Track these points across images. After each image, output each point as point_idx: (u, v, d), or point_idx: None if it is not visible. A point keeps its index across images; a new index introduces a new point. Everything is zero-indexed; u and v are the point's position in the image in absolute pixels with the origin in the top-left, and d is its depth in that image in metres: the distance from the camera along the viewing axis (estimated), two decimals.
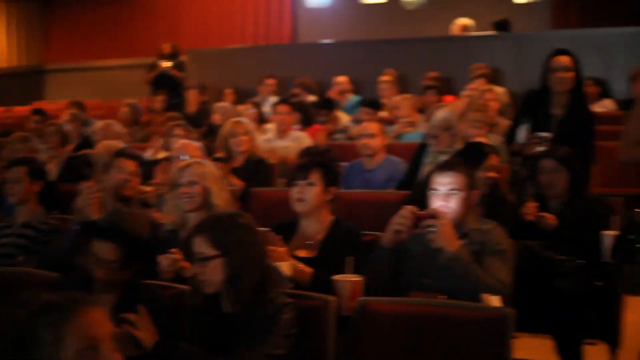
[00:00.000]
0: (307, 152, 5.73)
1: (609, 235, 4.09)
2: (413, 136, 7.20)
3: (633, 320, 5.17)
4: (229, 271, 2.94)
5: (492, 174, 4.59)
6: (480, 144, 4.87)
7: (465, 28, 10.82)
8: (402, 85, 9.99)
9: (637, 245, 3.81)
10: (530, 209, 4.36)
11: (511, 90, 9.24)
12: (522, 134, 5.32)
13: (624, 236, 3.94)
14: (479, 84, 8.02)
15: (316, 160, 4.00)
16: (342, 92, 9.89)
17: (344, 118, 8.66)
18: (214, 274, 2.95)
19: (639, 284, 5.01)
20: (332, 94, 9.81)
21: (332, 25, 13.51)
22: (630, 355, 4.66)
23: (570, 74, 5.21)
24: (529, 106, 5.39)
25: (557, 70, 5.22)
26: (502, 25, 10.66)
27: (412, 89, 9.32)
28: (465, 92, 8.18)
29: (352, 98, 9.82)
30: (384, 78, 9.68)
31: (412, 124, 7.57)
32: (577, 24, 12.10)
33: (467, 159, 4.02)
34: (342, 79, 10.04)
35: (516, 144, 5.41)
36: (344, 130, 8.19)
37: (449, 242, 3.34)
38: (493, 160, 4.64)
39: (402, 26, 12.66)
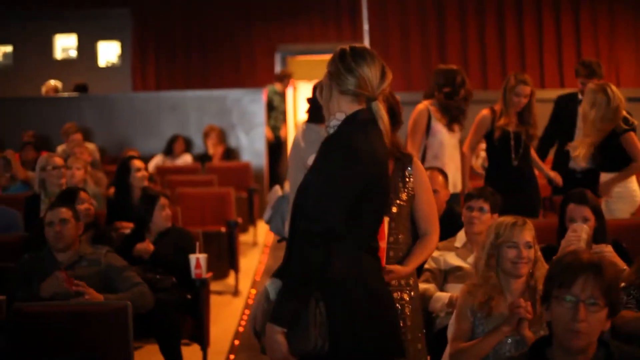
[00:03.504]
0: None
1: (194, 257, 5.33)
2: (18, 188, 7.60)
3: (221, 327, 6.50)
4: None
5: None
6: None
7: (56, 89, 11.66)
8: None
9: None
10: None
11: (100, 146, 10.36)
12: None
13: None
14: (77, 141, 8.84)
15: None
16: None
17: None
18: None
19: None
20: None
21: None
22: (218, 354, 5.94)
23: None
24: None
25: None
26: (81, 88, 11.69)
27: (9, 146, 9.83)
28: (60, 147, 9.00)
29: None
30: None
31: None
32: (155, 87, 13.68)
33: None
34: None
35: None
36: None
37: None
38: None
39: None
